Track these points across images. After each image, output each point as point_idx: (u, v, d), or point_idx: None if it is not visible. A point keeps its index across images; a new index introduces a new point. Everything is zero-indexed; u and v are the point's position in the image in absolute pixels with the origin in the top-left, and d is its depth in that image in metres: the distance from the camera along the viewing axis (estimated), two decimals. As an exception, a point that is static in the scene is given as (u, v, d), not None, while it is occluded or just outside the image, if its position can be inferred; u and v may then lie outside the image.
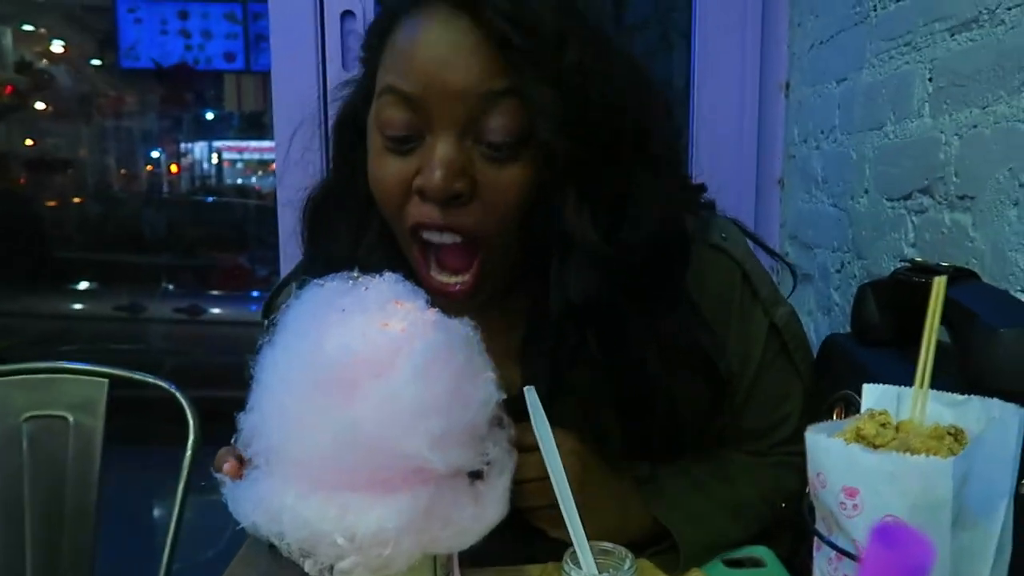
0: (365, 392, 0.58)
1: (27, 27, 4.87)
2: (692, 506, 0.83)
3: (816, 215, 1.44)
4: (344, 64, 1.62)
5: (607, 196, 0.75)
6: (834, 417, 0.83)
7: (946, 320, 0.78)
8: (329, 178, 0.87)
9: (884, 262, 1.15)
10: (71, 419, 1.29)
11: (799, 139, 1.55)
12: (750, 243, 0.90)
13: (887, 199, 1.15)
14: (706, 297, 0.83)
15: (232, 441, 0.64)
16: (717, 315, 0.84)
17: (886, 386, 0.58)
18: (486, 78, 0.70)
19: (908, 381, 0.59)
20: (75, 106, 4.92)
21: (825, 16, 1.42)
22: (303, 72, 1.61)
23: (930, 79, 1.03)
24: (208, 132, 5.33)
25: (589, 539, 0.66)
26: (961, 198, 0.95)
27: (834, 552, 0.52)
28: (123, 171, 5.07)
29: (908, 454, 0.48)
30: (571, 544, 0.66)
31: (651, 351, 0.78)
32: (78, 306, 4.21)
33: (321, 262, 0.80)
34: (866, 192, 1.22)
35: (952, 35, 0.98)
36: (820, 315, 1.42)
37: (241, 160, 5.64)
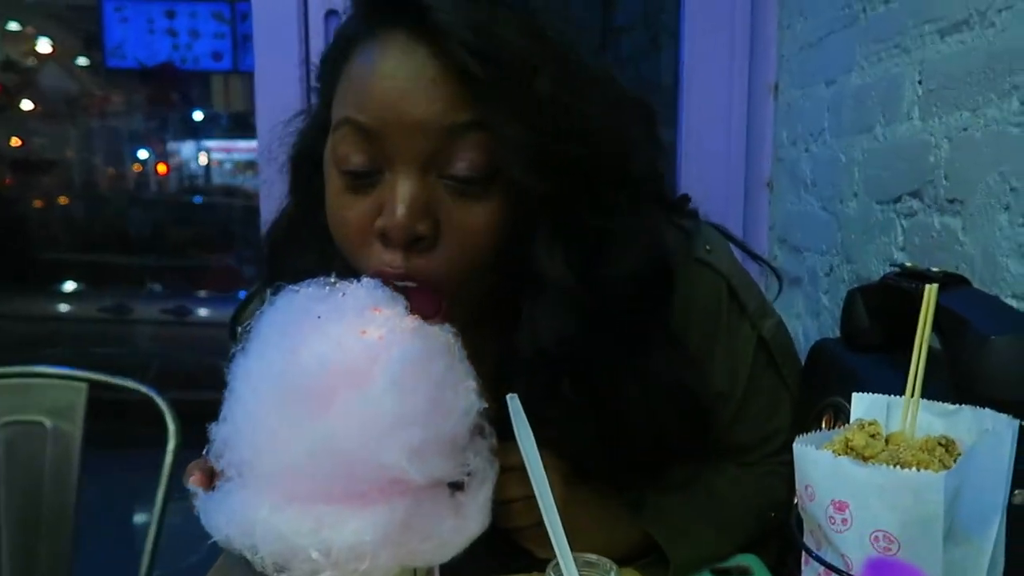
0: (341, 402, 0.56)
1: (13, 26, 4.82)
2: (681, 519, 0.81)
3: (805, 218, 1.43)
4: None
5: (583, 233, 0.71)
6: (823, 424, 0.81)
7: (937, 327, 0.77)
8: (289, 212, 0.83)
9: (873, 266, 1.14)
10: (49, 424, 1.27)
11: (788, 142, 1.54)
12: (736, 249, 0.88)
13: (876, 202, 1.14)
14: (692, 314, 0.81)
15: (204, 452, 0.62)
16: (704, 331, 0.83)
17: (876, 395, 0.57)
18: (449, 110, 0.65)
19: (898, 387, 0.57)
20: (61, 106, 4.88)
21: (814, 18, 1.41)
22: (287, 73, 1.58)
23: (920, 81, 1.02)
24: (196, 132, 5.29)
25: (573, 551, 0.65)
26: (951, 202, 0.94)
27: (822, 568, 0.51)
28: (110, 171, 5.03)
29: (898, 468, 0.46)
30: (554, 559, 0.64)
31: (631, 392, 0.75)
32: (64, 308, 4.17)
33: None
34: (855, 195, 1.21)
35: (942, 37, 0.97)
36: (809, 319, 1.41)
37: (229, 160, 5.61)
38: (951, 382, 0.68)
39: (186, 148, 5.36)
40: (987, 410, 0.53)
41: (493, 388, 0.72)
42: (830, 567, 0.49)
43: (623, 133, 0.75)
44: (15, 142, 4.75)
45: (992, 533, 0.49)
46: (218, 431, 0.60)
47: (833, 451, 0.51)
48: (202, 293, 4.22)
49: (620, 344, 0.74)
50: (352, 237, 0.69)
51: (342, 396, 0.57)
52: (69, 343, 3.88)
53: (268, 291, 0.64)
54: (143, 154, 5.15)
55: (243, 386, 0.59)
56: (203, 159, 5.43)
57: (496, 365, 0.67)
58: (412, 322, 0.62)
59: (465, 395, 0.61)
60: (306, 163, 0.77)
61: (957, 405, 0.55)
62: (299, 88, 1.58)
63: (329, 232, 0.72)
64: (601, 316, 0.72)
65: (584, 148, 0.69)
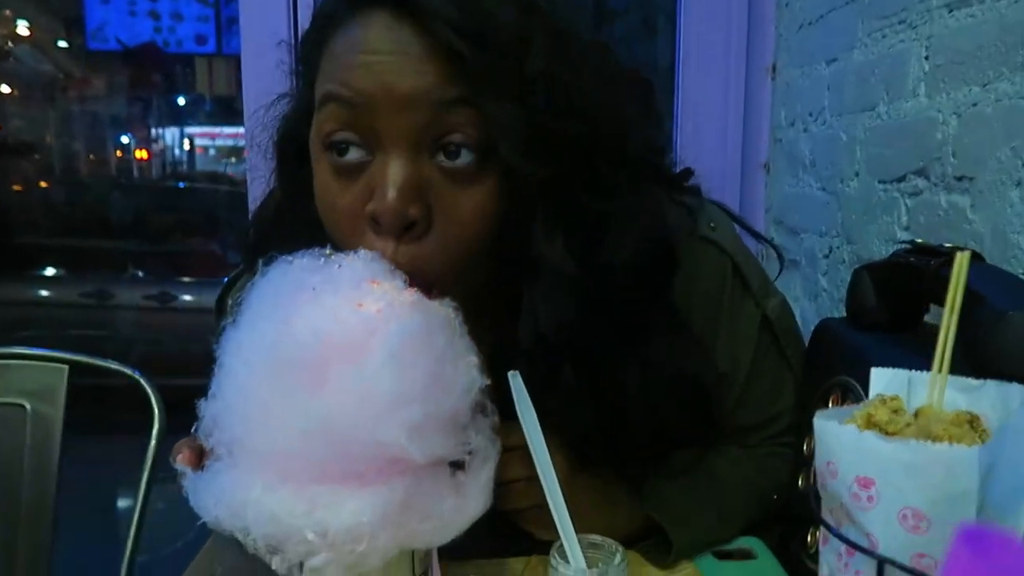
0: (337, 377, 0.53)
1: (-8, 8, 4.73)
2: (683, 502, 0.80)
3: (803, 199, 1.41)
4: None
5: (582, 216, 0.68)
6: (830, 404, 0.79)
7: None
8: (275, 198, 0.80)
9: (875, 246, 1.12)
10: (28, 407, 1.23)
11: (786, 122, 1.52)
12: (737, 228, 0.86)
13: (879, 182, 1.12)
14: (696, 292, 0.79)
15: (192, 430, 0.59)
16: (707, 311, 0.80)
17: (896, 370, 0.55)
18: (437, 86, 0.61)
19: (906, 365, 0.55)
20: (41, 89, 4.79)
21: (814, -4, 1.39)
22: (275, 56, 1.54)
23: (927, 57, 1.00)
24: (179, 117, 5.21)
25: (577, 532, 0.62)
26: (959, 179, 0.92)
27: (844, 546, 0.49)
28: (91, 156, 4.95)
29: (929, 442, 0.44)
30: (557, 540, 0.62)
31: (632, 378, 0.72)
32: (44, 293, 4.10)
33: None
34: (857, 175, 1.19)
35: (950, 11, 0.95)
36: (807, 301, 1.40)
37: (213, 147, 5.53)
38: (965, 358, 0.66)
39: (169, 133, 5.28)
40: (1014, 384, 0.51)
41: (490, 376, 0.69)
42: (854, 546, 0.47)
43: (621, 110, 0.72)
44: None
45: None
46: (207, 407, 0.57)
47: (856, 426, 0.49)
48: (185, 279, 4.17)
49: (622, 329, 0.71)
50: (342, 224, 0.66)
51: (337, 371, 0.53)
52: (49, 328, 3.81)
53: (260, 262, 0.61)
54: (125, 139, 5.07)
55: (234, 359, 0.56)
56: (187, 145, 5.36)
57: (492, 353, 0.64)
58: (411, 295, 0.59)
59: (466, 371, 0.58)
60: (291, 148, 0.73)
61: (981, 380, 0.53)
62: (287, 71, 1.54)
63: (317, 219, 0.69)
64: (603, 301, 0.69)
65: (580, 127, 0.65)
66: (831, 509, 0.52)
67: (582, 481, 0.74)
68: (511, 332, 0.71)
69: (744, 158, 1.62)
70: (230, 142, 5.37)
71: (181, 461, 0.59)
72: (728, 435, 0.87)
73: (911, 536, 0.45)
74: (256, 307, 0.58)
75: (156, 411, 1.20)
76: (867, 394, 0.72)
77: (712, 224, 0.82)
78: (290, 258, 0.60)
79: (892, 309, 0.82)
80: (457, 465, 0.60)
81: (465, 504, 0.59)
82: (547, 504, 0.62)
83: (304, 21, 1.54)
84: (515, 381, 0.64)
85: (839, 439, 0.48)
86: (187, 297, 4.01)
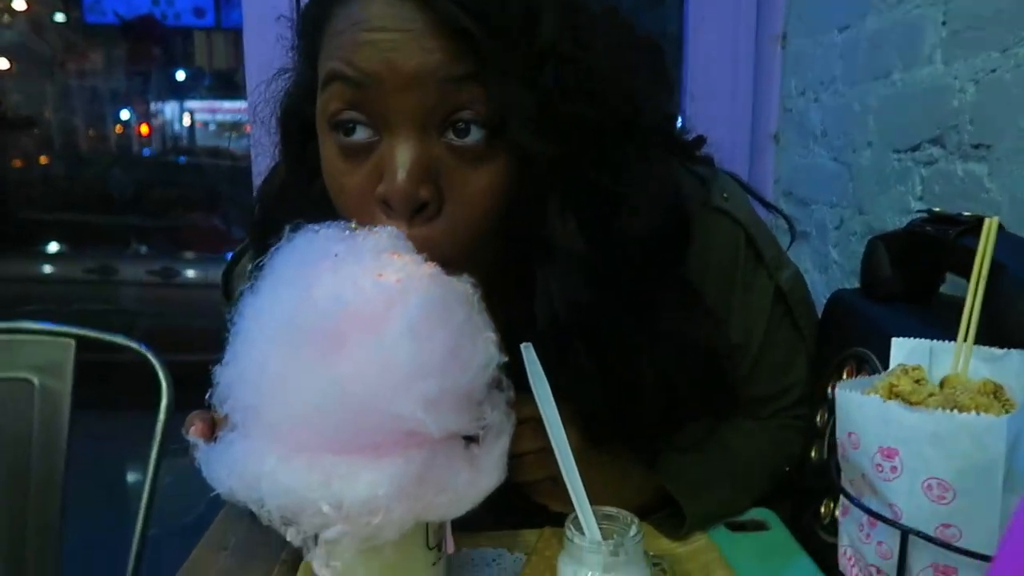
0: (355, 346, 0.53)
1: (-14, -18, 4.66)
2: (696, 474, 0.79)
3: (813, 170, 1.40)
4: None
5: (594, 193, 0.66)
6: (844, 376, 0.79)
7: (967, 272, 0.74)
8: (280, 173, 0.78)
9: (888, 217, 1.11)
10: (36, 382, 1.22)
11: (796, 92, 1.49)
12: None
13: (893, 151, 1.10)
14: (709, 264, 0.78)
15: (207, 397, 0.58)
16: (720, 282, 0.80)
17: (918, 340, 0.54)
18: (444, 63, 0.59)
19: (923, 336, 0.55)
20: (39, 64, 4.74)
21: (826, -38, 1.36)
22: (275, 29, 1.51)
23: (944, 23, 0.98)
24: (178, 92, 5.16)
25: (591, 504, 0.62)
26: (976, 147, 0.91)
27: (866, 517, 0.48)
28: (91, 131, 4.91)
29: (955, 411, 0.44)
30: (572, 512, 0.62)
31: (645, 355, 0.71)
32: (48, 269, 4.09)
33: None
34: (869, 145, 1.17)
35: (969, -25, 0.93)
36: (816, 273, 1.39)
37: (214, 121, 5.49)
38: (987, 328, 0.65)
39: (168, 108, 5.23)
40: (1040, 353, 0.50)
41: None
42: (877, 516, 0.47)
43: (632, 82, 0.70)
44: (-8, 102, 4.62)
45: (1050, 481, 0.46)
46: (222, 374, 0.57)
47: (880, 396, 0.48)
48: (188, 254, 4.15)
49: (635, 303, 0.70)
50: (352, 206, 0.65)
51: (356, 340, 0.53)
52: (53, 304, 3.81)
53: (287, 228, 0.60)
54: (125, 115, 5.03)
55: (251, 325, 0.56)
56: (187, 120, 5.31)
57: (503, 331, 0.64)
58: (431, 268, 0.58)
59: (484, 347, 0.58)
60: (294, 124, 0.72)
61: (1005, 350, 0.52)
62: (289, 46, 1.52)
63: (323, 194, 0.68)
64: (616, 277, 0.68)
65: (591, 103, 0.64)
66: (851, 480, 0.51)
67: (594, 453, 0.73)
68: (521, 310, 0.70)
69: (753, 129, 1.60)
70: (229, 117, 5.33)
71: (194, 433, 0.58)
72: (741, 407, 0.86)
73: (936, 506, 0.44)
74: (279, 272, 0.58)
75: (164, 386, 1.19)
76: (883, 366, 0.72)
77: (725, 194, 0.81)
78: (316, 227, 0.60)
79: (908, 279, 0.82)
80: (471, 438, 0.60)
81: (479, 477, 0.59)
82: (559, 476, 0.61)
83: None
84: (528, 353, 0.63)
85: (862, 409, 0.47)
86: (190, 272, 4.00)
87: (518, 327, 0.68)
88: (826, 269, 1.35)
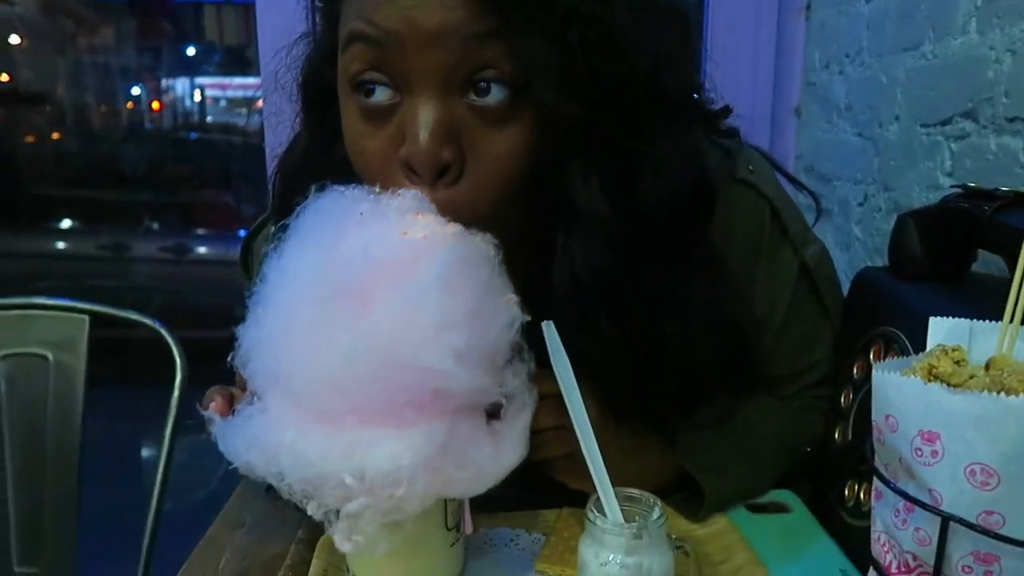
0: (383, 300, 0.52)
1: (-2, -43, 4.64)
2: (716, 453, 0.78)
3: (836, 145, 1.37)
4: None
5: (618, 157, 0.65)
6: (871, 356, 0.77)
7: (1003, 249, 0.72)
8: (301, 141, 0.77)
9: (915, 193, 1.08)
10: (51, 357, 1.22)
11: (820, 64, 1.46)
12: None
13: (921, 125, 1.07)
14: (733, 236, 0.77)
15: (229, 359, 0.58)
16: (744, 255, 0.78)
17: (958, 320, 0.52)
18: (466, 20, 0.58)
19: (957, 315, 0.53)
20: (51, 40, 4.72)
21: (853, -71, 1.32)
22: (288, 1, 1.49)
23: (979, -9, 0.95)
24: (189, 67, 5.13)
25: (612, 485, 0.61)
26: (1011, 120, 0.88)
27: (903, 502, 0.47)
28: (102, 107, 4.90)
29: (1002, 394, 0.42)
30: (593, 494, 0.60)
31: (668, 323, 0.70)
32: (61, 245, 4.10)
33: None
34: (896, 119, 1.14)
35: (1007, -60, 0.89)
36: (839, 251, 1.36)
37: (224, 97, 5.46)
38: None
39: (179, 84, 5.21)
40: (1087, 334, 0.48)
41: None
42: (915, 501, 0.45)
43: (657, 45, 0.68)
44: (3, 77, 4.61)
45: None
46: (245, 334, 0.56)
47: (920, 379, 0.46)
48: (200, 231, 4.16)
49: (658, 272, 0.69)
50: (374, 169, 0.64)
51: (382, 294, 0.52)
52: (67, 280, 3.82)
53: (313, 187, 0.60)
54: (136, 91, 5.01)
55: (275, 284, 0.55)
56: (197, 96, 5.29)
57: (523, 296, 0.62)
58: (454, 227, 0.58)
59: (508, 307, 0.57)
60: (315, 90, 0.71)
61: (1049, 330, 0.50)
62: (303, 17, 1.49)
63: (345, 161, 0.67)
64: (639, 244, 0.67)
65: (615, 63, 0.62)
66: (887, 464, 0.49)
67: (613, 429, 0.72)
68: (541, 275, 0.69)
69: (775, 102, 1.57)
70: (240, 93, 5.30)
71: (213, 409, 0.58)
72: (762, 385, 0.85)
73: (979, 492, 0.43)
74: (304, 231, 0.58)
75: (178, 362, 1.19)
76: (913, 346, 0.70)
77: (751, 167, 0.79)
78: (342, 188, 0.59)
79: (938, 257, 0.79)
80: (492, 415, 0.59)
81: (501, 452, 0.58)
82: (578, 453, 0.60)
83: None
84: (548, 330, 0.62)
85: (901, 392, 0.46)
86: (202, 249, 4.00)
87: (538, 292, 0.68)
88: (848, 247, 1.32)
